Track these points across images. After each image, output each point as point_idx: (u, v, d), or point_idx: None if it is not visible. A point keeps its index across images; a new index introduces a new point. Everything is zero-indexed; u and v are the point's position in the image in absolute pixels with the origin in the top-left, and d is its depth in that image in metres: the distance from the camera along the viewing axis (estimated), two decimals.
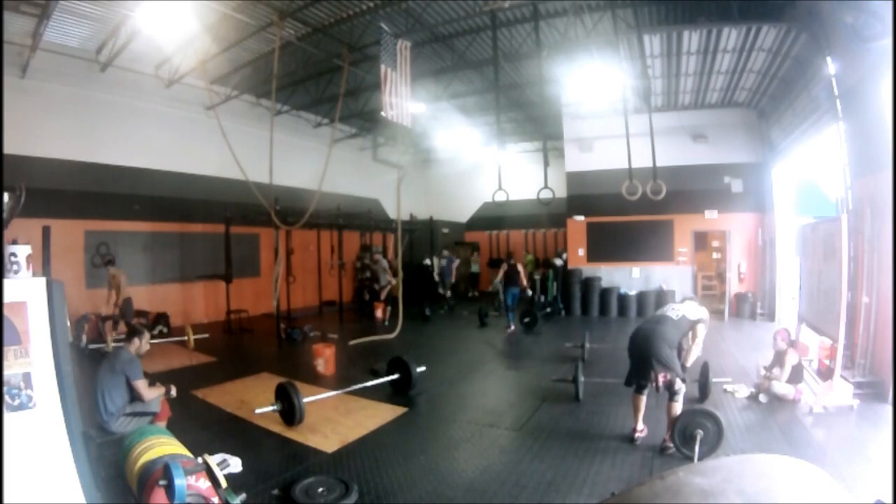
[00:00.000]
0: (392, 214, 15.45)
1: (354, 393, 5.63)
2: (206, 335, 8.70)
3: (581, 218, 13.01)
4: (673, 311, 4.33)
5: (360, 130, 15.89)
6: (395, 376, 5.79)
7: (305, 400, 4.75)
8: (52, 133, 9.04)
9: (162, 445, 2.98)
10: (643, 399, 4.27)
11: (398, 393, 5.75)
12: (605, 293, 12.21)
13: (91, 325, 8.52)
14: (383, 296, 12.04)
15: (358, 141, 16.64)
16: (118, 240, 10.10)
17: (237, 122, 11.40)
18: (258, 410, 4.63)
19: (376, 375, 6.12)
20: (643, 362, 4.09)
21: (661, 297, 11.66)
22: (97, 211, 9.75)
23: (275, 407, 4.72)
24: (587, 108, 12.30)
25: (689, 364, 4.33)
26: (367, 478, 3.66)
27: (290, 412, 4.66)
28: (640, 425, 4.28)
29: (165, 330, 9.98)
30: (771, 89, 10.05)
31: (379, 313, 11.40)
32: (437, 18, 8.71)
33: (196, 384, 6.19)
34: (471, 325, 11.07)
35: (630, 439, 4.26)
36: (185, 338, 8.29)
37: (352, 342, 8.79)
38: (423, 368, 5.87)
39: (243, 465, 3.79)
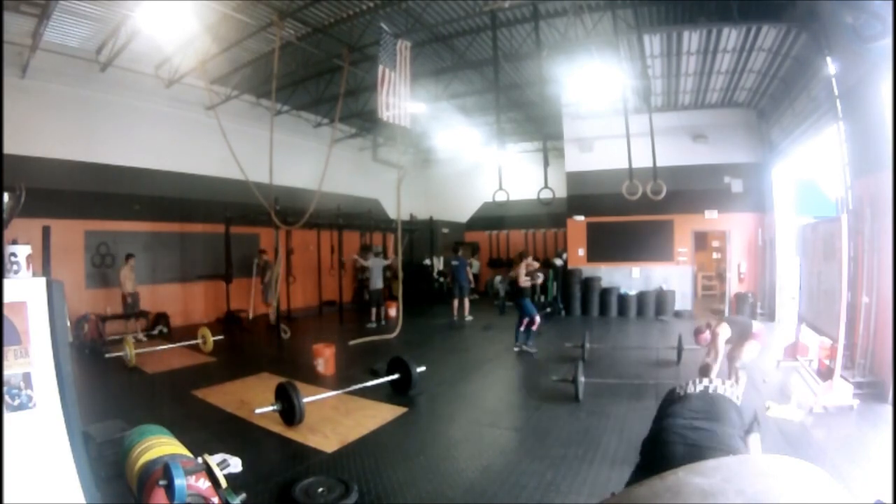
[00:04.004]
0: (392, 214, 15.45)
1: (354, 393, 5.63)
2: (220, 337, 8.60)
3: (581, 218, 13.01)
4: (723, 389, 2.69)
5: (360, 130, 15.89)
6: (395, 376, 5.79)
7: (305, 400, 4.75)
8: (52, 133, 9.04)
9: (162, 445, 2.98)
10: None
11: (398, 393, 5.75)
12: (605, 293, 12.21)
13: (91, 325, 8.52)
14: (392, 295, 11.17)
15: (358, 141, 16.64)
16: (118, 240, 10.10)
17: (237, 122, 11.40)
18: (258, 410, 4.63)
19: (376, 375, 6.12)
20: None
21: (662, 297, 11.70)
22: (97, 211, 9.75)
23: (275, 407, 4.72)
24: (587, 108, 12.29)
25: None
26: (367, 478, 3.66)
27: (290, 412, 4.66)
28: None
29: (165, 330, 9.98)
30: (771, 89, 10.05)
31: (392, 311, 10.96)
32: (437, 18, 8.71)
33: (196, 384, 6.20)
34: (471, 326, 11.07)
35: None
36: (198, 341, 8.25)
37: (352, 342, 8.79)
38: (422, 368, 5.86)
39: (243, 465, 3.79)
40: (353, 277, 14.25)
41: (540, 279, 8.39)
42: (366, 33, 8.85)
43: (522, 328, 8.01)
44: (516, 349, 8.00)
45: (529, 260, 8.35)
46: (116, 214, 10.09)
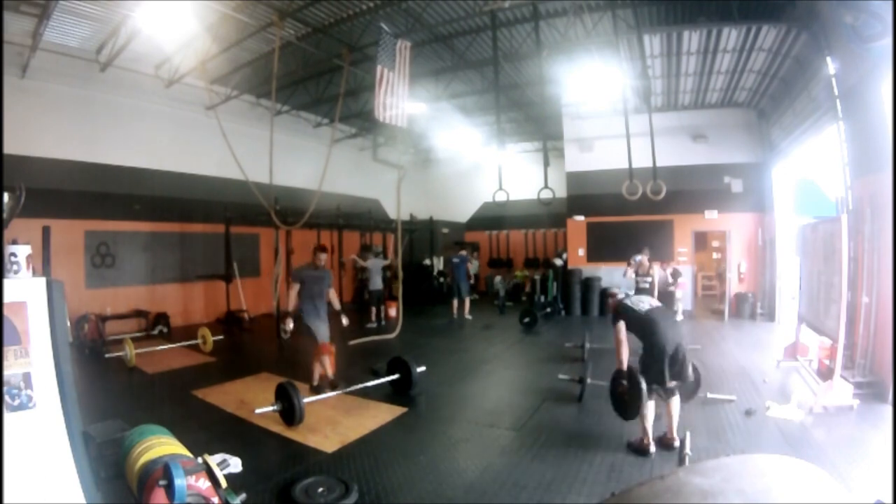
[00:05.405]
0: (392, 214, 15.45)
1: (354, 393, 5.63)
2: (220, 337, 8.63)
3: (581, 218, 13.01)
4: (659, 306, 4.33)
5: (360, 130, 15.89)
6: (396, 376, 5.78)
7: (305, 400, 4.75)
8: (52, 133, 9.04)
9: (162, 445, 2.98)
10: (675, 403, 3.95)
11: (398, 393, 5.75)
12: (605, 293, 12.19)
13: (91, 326, 8.51)
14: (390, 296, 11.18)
15: (358, 141, 16.64)
16: (118, 240, 10.10)
17: (237, 122, 11.40)
18: (258, 410, 4.64)
19: (376, 375, 6.12)
20: (678, 357, 3.85)
21: (662, 297, 11.66)
22: (97, 211, 9.74)
23: (275, 407, 4.72)
24: (587, 108, 12.30)
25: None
26: (367, 478, 3.67)
27: (289, 412, 4.65)
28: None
29: (165, 330, 9.99)
30: (771, 89, 10.05)
31: (392, 311, 11.01)
32: (437, 18, 8.71)
33: (196, 384, 6.20)
34: (471, 325, 11.07)
35: (643, 452, 3.91)
36: (198, 341, 8.27)
37: (352, 342, 8.78)
38: (422, 368, 5.86)
39: (243, 465, 3.79)
40: (353, 277, 14.25)
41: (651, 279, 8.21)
42: (366, 33, 8.85)
43: None
44: None
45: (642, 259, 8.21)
46: (116, 214, 10.08)
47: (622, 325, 4.08)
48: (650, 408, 3.93)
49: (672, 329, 3.98)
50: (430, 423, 5.02)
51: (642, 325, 4.02)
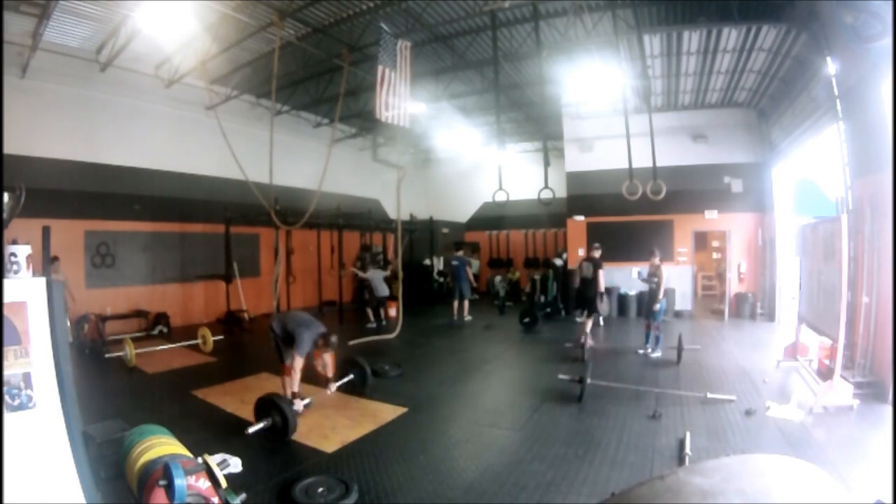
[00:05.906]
0: (392, 214, 15.44)
1: (355, 393, 5.63)
2: (220, 337, 8.63)
3: (581, 218, 13.00)
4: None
5: (360, 130, 15.89)
6: (351, 377, 5.70)
7: (305, 401, 4.69)
8: (52, 133, 9.04)
9: (162, 445, 2.98)
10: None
11: (358, 392, 5.62)
12: (605, 293, 12.16)
13: (91, 326, 8.51)
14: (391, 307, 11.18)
15: (358, 141, 16.64)
16: (118, 240, 10.11)
17: (237, 122, 11.40)
18: (252, 430, 4.26)
19: (377, 375, 6.12)
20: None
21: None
22: (97, 211, 9.75)
23: (265, 423, 4.34)
24: (587, 108, 12.30)
25: None
26: (367, 478, 3.67)
27: (282, 426, 4.33)
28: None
29: (165, 330, 9.99)
30: (771, 89, 10.05)
31: (392, 311, 11.00)
32: (437, 18, 8.71)
33: (196, 384, 6.20)
34: (471, 326, 11.06)
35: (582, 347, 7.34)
36: (198, 341, 8.28)
37: (351, 342, 8.78)
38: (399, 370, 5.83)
39: (243, 465, 3.79)
40: (353, 277, 14.24)
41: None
42: (366, 33, 8.85)
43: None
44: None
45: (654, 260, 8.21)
46: (116, 214, 10.08)
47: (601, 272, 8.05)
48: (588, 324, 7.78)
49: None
50: (430, 423, 5.02)
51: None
